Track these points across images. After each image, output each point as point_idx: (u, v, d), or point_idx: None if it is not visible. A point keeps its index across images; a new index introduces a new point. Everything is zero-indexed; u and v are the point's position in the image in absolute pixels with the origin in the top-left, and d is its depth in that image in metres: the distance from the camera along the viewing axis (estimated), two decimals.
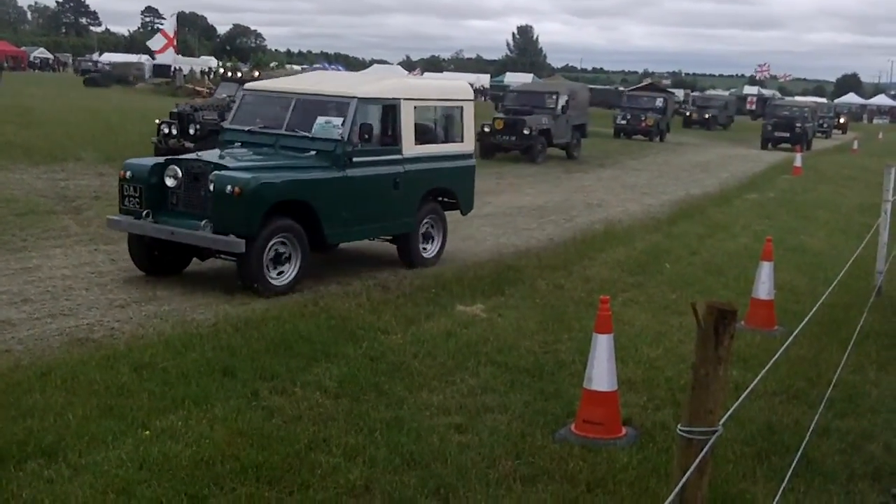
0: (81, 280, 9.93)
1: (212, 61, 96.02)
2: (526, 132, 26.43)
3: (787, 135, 41.46)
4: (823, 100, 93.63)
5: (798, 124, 41.82)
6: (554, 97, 28.44)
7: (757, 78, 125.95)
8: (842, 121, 67.92)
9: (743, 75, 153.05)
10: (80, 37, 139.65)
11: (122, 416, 5.88)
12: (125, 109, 36.67)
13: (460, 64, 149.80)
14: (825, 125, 55.44)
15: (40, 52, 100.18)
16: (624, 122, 42.11)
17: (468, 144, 12.32)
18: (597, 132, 38.10)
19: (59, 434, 5.52)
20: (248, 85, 12.06)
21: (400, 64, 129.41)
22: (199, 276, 10.45)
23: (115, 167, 19.27)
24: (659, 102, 43.51)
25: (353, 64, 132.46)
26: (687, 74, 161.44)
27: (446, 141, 12.25)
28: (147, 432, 5.63)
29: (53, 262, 10.74)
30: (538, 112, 27.58)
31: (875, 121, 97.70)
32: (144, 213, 9.88)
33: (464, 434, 5.93)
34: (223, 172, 9.58)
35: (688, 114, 58.02)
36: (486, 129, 26.68)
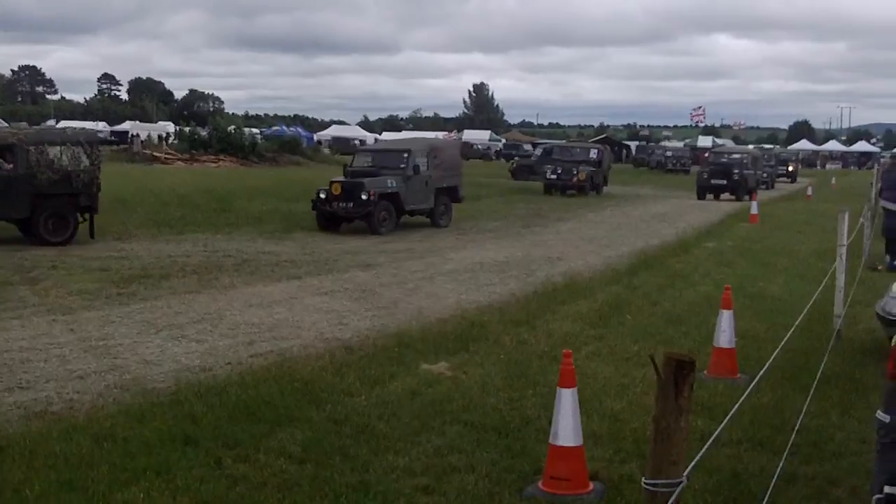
0: (39, 352, 9.78)
1: (170, 126, 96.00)
2: (364, 197, 22.21)
3: (724, 182, 39.57)
4: (776, 147, 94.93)
5: (736, 171, 39.80)
6: (405, 156, 24.04)
7: (693, 124, 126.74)
8: (790, 169, 63.34)
9: (701, 125, 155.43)
10: (35, 105, 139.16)
11: (83, 489, 5.77)
12: None
13: (418, 122, 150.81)
14: (765, 175, 49.57)
15: None
16: (554, 176, 39.20)
17: None
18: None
19: None
20: None
21: (359, 124, 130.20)
22: (160, 343, 10.33)
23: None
24: (593, 154, 41.44)
25: (311, 125, 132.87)
26: (642, 126, 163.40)
27: None
28: None
29: (10, 333, 10.58)
30: (386, 173, 23.36)
31: (828, 166, 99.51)
32: None
33: (431, 496, 5.88)
34: None
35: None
36: (322, 196, 22.59)
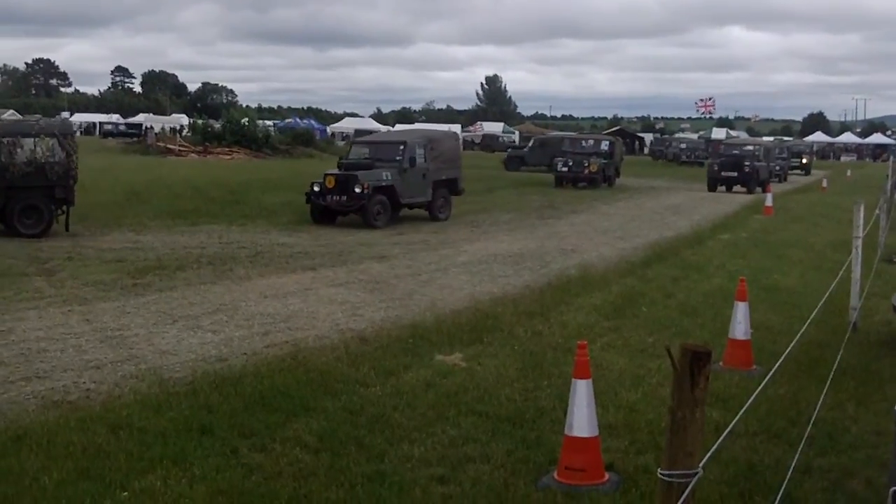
0: (56, 342, 9.83)
1: (183, 119, 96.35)
2: (358, 190, 21.51)
3: (735, 174, 38.87)
4: (791, 138, 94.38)
5: (747, 163, 39.05)
6: (401, 148, 23.40)
7: (703, 116, 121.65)
8: (804, 161, 60.55)
9: (712, 117, 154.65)
10: (50, 97, 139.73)
11: (100, 478, 5.81)
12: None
13: (431, 115, 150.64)
14: (778, 167, 47.80)
15: (10, 115, 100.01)
16: (565, 168, 38.94)
17: None
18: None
19: (34, 499, 5.45)
20: None
21: (372, 116, 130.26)
22: (175, 334, 10.37)
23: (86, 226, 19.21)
24: (604, 146, 40.94)
25: (325, 118, 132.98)
26: (656, 118, 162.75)
27: None
28: (125, 494, 5.56)
29: (27, 324, 10.64)
30: (381, 166, 22.69)
31: (843, 158, 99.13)
32: None
33: (446, 485, 5.90)
34: None
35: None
36: (316, 189, 22.10)
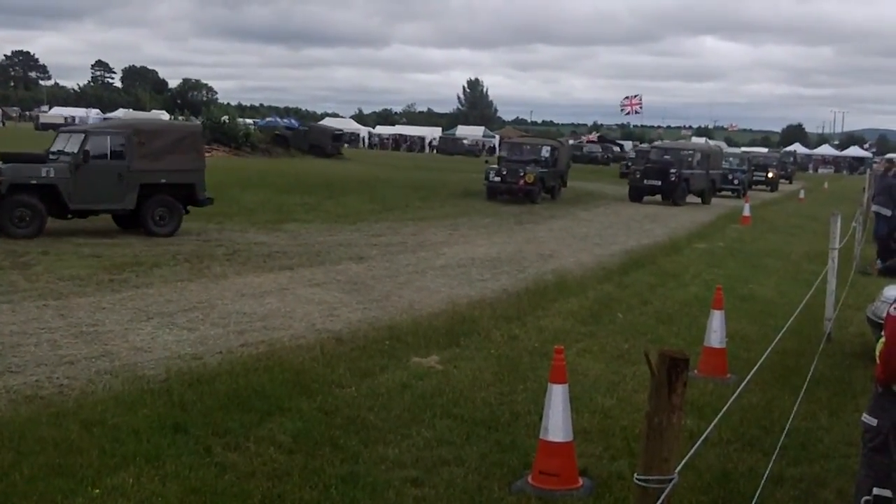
0: (30, 336, 9.75)
1: (163, 115, 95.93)
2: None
3: (658, 183, 34.01)
4: (763, 149, 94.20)
5: (673, 171, 34.04)
6: (81, 138, 18.24)
7: (625, 115, 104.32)
8: (769, 176, 51.45)
9: (690, 126, 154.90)
10: (28, 90, 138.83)
11: (72, 474, 5.76)
12: None
13: (412, 117, 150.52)
14: (736, 180, 42.40)
15: None
16: (498, 178, 31.98)
17: None
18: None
19: (5, 494, 5.40)
20: None
21: (352, 117, 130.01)
22: (151, 331, 10.31)
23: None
24: (545, 153, 34.02)
25: (306, 117, 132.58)
26: (635, 126, 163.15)
27: None
28: (97, 491, 5.52)
29: (1, 318, 10.54)
30: (55, 159, 18.07)
31: (820, 170, 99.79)
32: None
33: (420, 488, 5.89)
34: None
35: None
36: None
